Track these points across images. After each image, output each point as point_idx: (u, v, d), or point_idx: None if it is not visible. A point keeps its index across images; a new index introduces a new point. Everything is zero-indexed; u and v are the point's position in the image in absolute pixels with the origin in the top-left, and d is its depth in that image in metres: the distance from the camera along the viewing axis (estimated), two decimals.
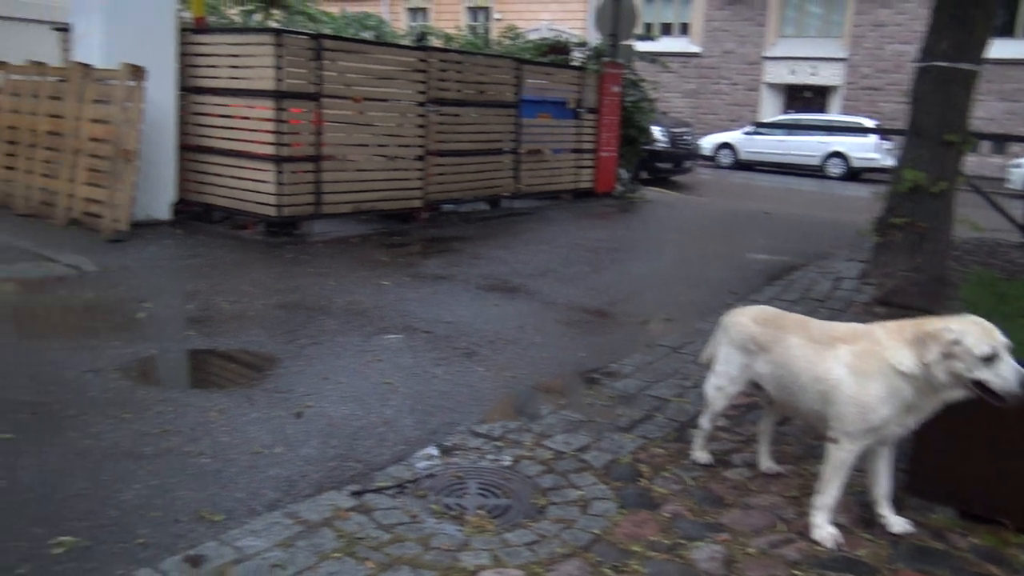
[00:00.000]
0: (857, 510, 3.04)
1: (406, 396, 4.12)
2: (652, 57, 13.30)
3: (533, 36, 15.38)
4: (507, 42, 13.06)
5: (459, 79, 9.51)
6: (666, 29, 26.90)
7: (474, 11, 29.26)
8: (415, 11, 30.61)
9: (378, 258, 7.38)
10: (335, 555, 2.66)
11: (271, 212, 7.73)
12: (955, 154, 6.58)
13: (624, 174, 12.61)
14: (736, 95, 25.86)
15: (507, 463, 3.40)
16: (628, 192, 12.41)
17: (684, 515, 3.02)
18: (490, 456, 3.46)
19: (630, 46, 12.34)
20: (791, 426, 3.80)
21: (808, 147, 20.34)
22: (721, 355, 3.33)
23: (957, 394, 2.66)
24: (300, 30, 8.98)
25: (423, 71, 8.93)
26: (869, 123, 20.22)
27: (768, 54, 25.25)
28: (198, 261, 6.89)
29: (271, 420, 3.73)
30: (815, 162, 20.34)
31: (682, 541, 2.84)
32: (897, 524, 2.93)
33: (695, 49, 26.30)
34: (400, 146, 8.83)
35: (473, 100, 9.74)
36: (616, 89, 11.94)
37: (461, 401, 4.12)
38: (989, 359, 2.55)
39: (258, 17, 12.91)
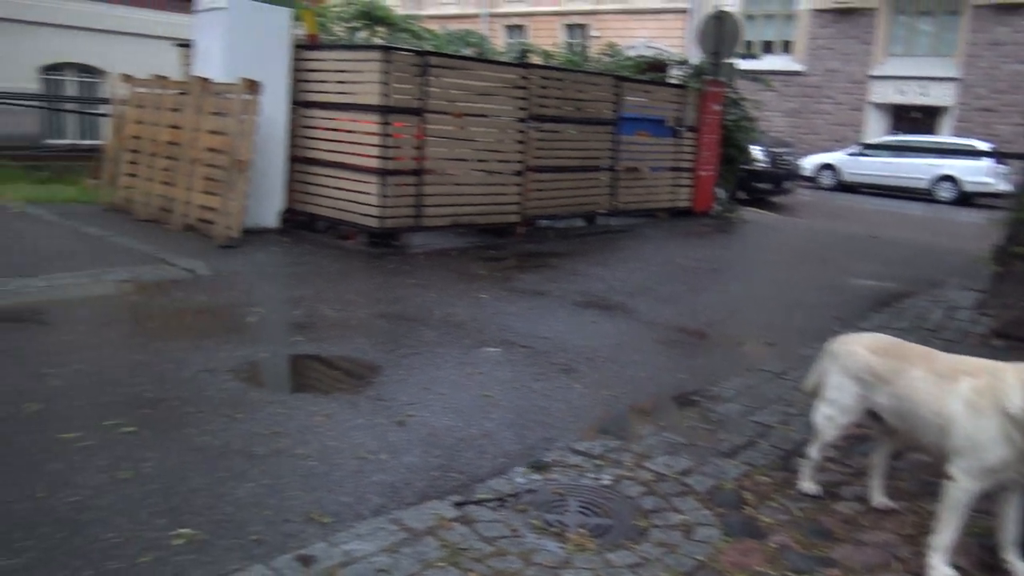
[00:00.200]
0: (978, 553, 2.89)
1: (505, 410, 4.14)
2: (755, 75, 13.07)
3: (631, 53, 15.33)
4: (606, 59, 13.07)
5: (559, 96, 9.57)
6: (767, 47, 26.39)
7: (571, 28, 29.40)
8: (513, 28, 30.95)
9: (476, 271, 7.47)
10: (439, 564, 2.69)
11: (373, 223, 7.93)
12: None
13: (722, 194, 12.42)
14: (840, 115, 25.13)
15: (607, 482, 3.38)
16: (726, 212, 12.21)
17: (792, 547, 2.93)
18: (590, 474, 3.44)
19: (732, 64, 12.17)
20: (905, 460, 3.65)
21: (916, 169, 19.57)
22: (832, 384, 3.23)
23: None
24: (406, 47, 9.19)
25: (524, 87, 9.02)
26: (983, 146, 19.31)
27: (875, 73, 24.45)
28: (303, 269, 7.12)
29: (375, 427, 3.81)
30: (923, 185, 19.55)
31: (790, 574, 2.76)
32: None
33: (798, 67, 25.71)
34: (499, 161, 8.94)
35: (572, 117, 9.77)
36: (717, 107, 11.79)
37: (559, 417, 4.11)
38: None
39: (363, 34, 13.29)
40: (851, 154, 21.02)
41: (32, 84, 14.15)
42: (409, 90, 7.96)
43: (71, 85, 15.10)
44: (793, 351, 5.38)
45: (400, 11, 14.41)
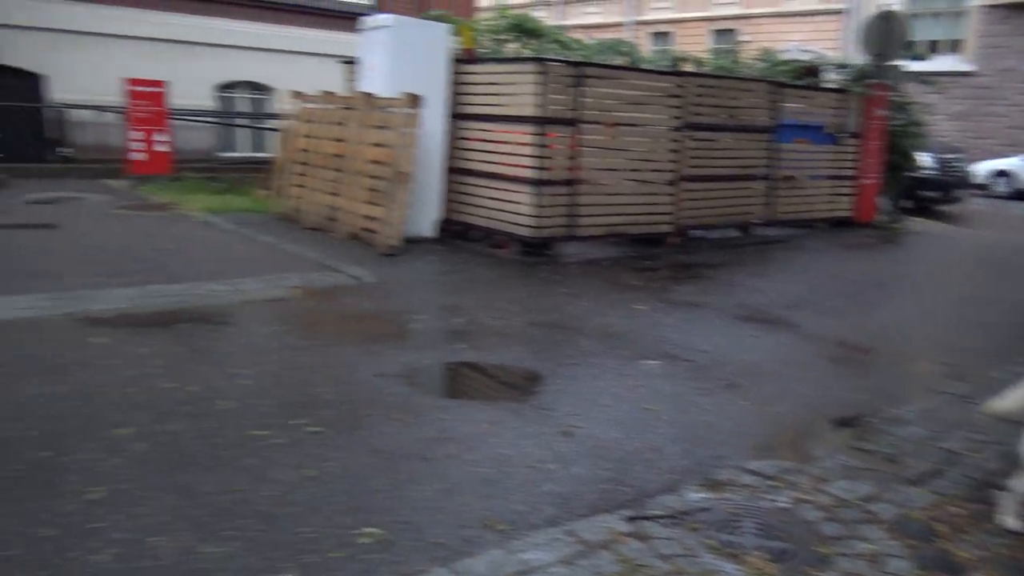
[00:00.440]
0: None
1: (670, 424, 4.09)
2: (922, 77, 12.33)
3: (784, 57, 14.81)
4: (758, 64, 12.69)
5: (714, 104, 9.37)
6: (933, 47, 24.83)
7: (719, 33, 28.75)
8: (658, 35, 30.61)
9: (629, 282, 7.42)
10: None
11: (527, 233, 8.03)
12: None
13: (886, 203, 11.78)
14: (1015, 117, 23.29)
15: (784, 505, 3.26)
16: (890, 222, 11.57)
17: None
18: (765, 495, 3.33)
19: (897, 66, 11.53)
20: None
21: None
22: None
23: None
24: (560, 58, 9.27)
25: (678, 96, 8.90)
26: None
27: None
28: (460, 277, 7.31)
29: (540, 436, 3.85)
30: None
31: None
32: None
33: (967, 68, 24.05)
34: (652, 171, 8.85)
35: (727, 125, 9.55)
36: (881, 112, 11.20)
37: (726, 434, 4.01)
38: None
39: (513, 46, 13.51)
40: None
41: (209, 102, 15.25)
42: (563, 101, 8.02)
43: (242, 102, 16.16)
44: (976, 372, 5.03)
45: (545, 22, 14.55)
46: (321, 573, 2.65)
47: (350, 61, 9.91)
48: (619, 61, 11.91)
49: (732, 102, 9.61)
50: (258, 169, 12.75)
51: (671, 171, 8.96)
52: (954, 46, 24.69)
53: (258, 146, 16.08)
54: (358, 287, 6.69)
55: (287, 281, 6.64)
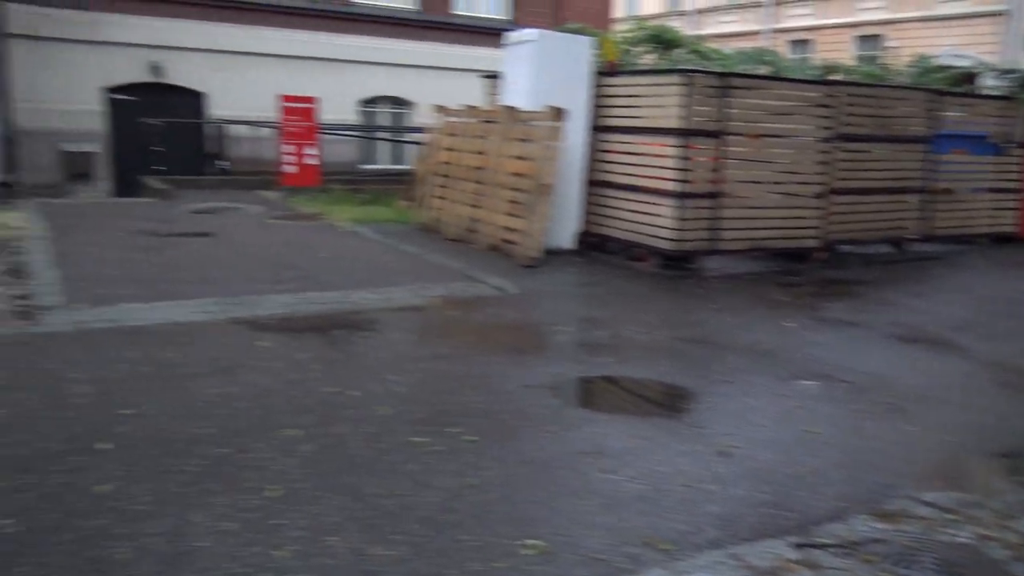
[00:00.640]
0: None
1: (833, 448, 3.91)
2: None
3: (939, 63, 14.00)
4: (911, 71, 12.04)
5: (866, 113, 8.96)
6: None
7: (864, 39, 27.53)
8: (797, 43, 29.64)
9: (776, 297, 7.19)
10: None
11: (668, 246, 7.92)
12: None
13: None
14: None
15: (966, 541, 3.06)
16: None
17: None
18: (943, 529, 3.14)
19: None
20: None
21: None
22: None
23: None
24: (704, 69, 9.11)
25: (827, 106, 8.57)
26: None
27: None
28: (601, 290, 7.28)
29: (695, 455, 3.77)
30: None
31: None
32: None
33: None
34: (798, 183, 8.55)
35: (879, 135, 9.11)
36: None
37: (895, 461, 3.80)
38: None
39: (650, 57, 13.39)
40: None
41: (353, 116, 15.88)
42: (707, 112, 7.88)
43: (383, 116, 16.75)
44: None
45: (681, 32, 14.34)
46: None
47: (492, 75, 10.09)
48: (762, 71, 11.60)
49: (885, 111, 9.17)
50: (398, 181, 13.18)
51: (819, 183, 8.63)
52: None
53: (397, 159, 16.61)
54: (500, 298, 6.77)
55: (432, 291, 6.80)
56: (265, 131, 13.64)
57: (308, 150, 12.52)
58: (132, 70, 14.06)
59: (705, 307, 6.73)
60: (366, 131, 16.26)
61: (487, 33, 16.72)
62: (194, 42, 14.35)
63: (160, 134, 13.64)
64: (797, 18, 29.69)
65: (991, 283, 8.19)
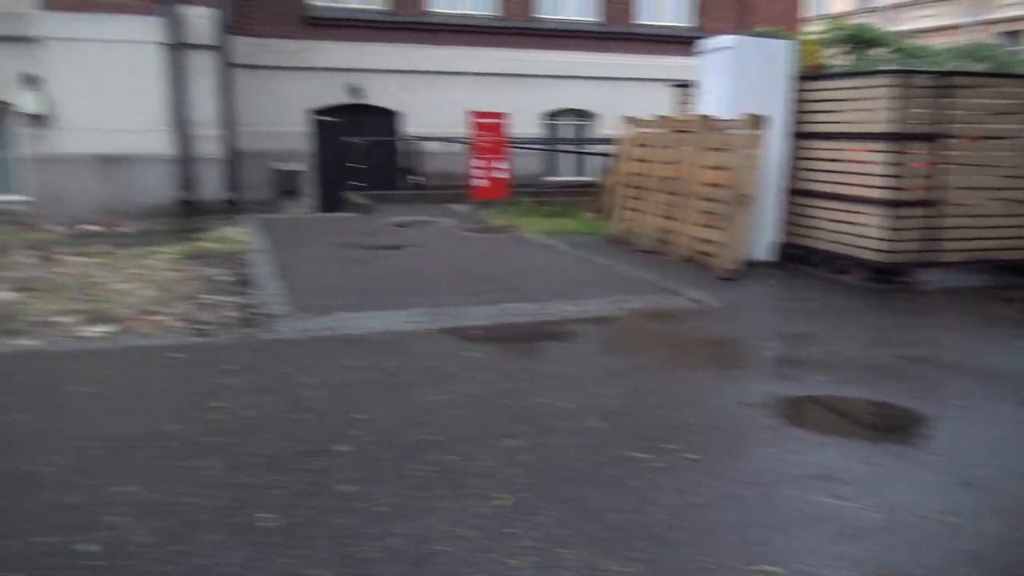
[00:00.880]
0: None
1: None
2: None
3: None
4: None
5: None
6: None
7: None
8: (1009, 34, 27.19)
9: (1004, 314, 6.61)
10: None
11: (877, 258, 7.47)
12: None
13: None
14: None
15: None
16: None
17: None
18: None
19: None
20: None
21: None
22: None
23: None
24: (921, 69, 8.55)
25: None
26: None
27: None
28: (806, 304, 6.97)
29: (936, 485, 3.50)
30: None
31: None
32: None
33: None
34: None
35: None
36: None
37: None
38: None
39: (844, 58, 12.74)
40: None
41: (537, 129, 16.16)
42: (921, 115, 7.37)
43: (566, 128, 16.92)
44: None
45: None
46: None
47: (683, 84, 9.95)
48: (979, 68, 10.74)
49: None
50: (582, 192, 13.27)
51: None
52: None
53: (580, 170, 16.73)
54: (700, 310, 6.64)
55: (630, 303, 6.77)
56: (456, 146, 14.16)
57: (497, 164, 12.87)
58: (334, 93, 15.03)
59: (924, 323, 6.28)
60: (552, 144, 16.50)
61: (671, 42, 16.54)
62: (389, 64, 15.14)
63: (361, 152, 14.50)
64: (1008, 7, 27.23)
65: None
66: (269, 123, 14.39)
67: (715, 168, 8.14)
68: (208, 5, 11.07)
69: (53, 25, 10.49)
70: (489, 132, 12.88)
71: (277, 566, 2.78)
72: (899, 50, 12.04)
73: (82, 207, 10.87)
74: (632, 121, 10.21)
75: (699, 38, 9.51)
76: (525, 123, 15.40)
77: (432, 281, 7.50)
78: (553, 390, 4.65)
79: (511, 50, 15.77)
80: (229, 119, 11.65)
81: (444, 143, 14.47)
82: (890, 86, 7.35)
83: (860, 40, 11.90)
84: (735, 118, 7.96)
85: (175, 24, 10.75)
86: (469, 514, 3.17)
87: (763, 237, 8.33)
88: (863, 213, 7.61)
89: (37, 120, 10.60)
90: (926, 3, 29.87)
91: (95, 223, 10.71)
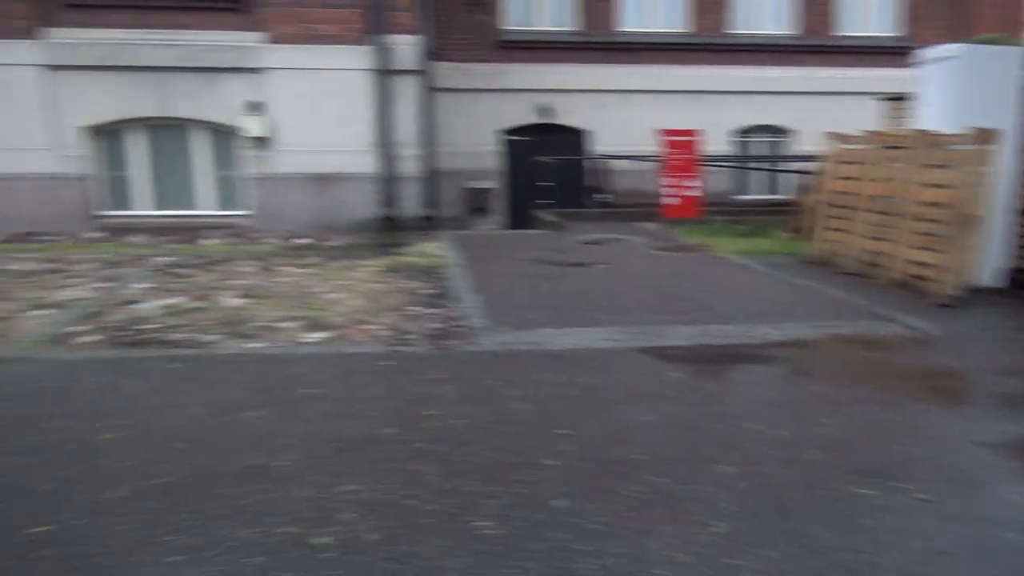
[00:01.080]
0: None
1: None
2: None
3: None
4: None
5: None
6: None
7: None
8: None
9: None
10: None
11: None
12: None
13: None
14: None
15: None
16: None
17: None
18: None
19: None
20: None
21: None
22: None
23: None
24: None
25: None
26: None
27: None
28: None
29: None
30: None
31: None
32: None
33: None
34: None
35: None
36: None
37: None
38: None
39: None
40: None
41: (726, 147, 15.75)
42: None
43: (758, 145, 16.38)
44: None
45: None
46: None
47: (896, 97, 9.34)
48: None
49: None
50: (776, 211, 12.76)
51: None
52: None
53: (772, 188, 16.13)
54: (919, 339, 6.16)
55: (839, 328, 6.40)
56: (644, 164, 14.06)
57: (689, 182, 12.64)
58: (524, 113, 15.39)
59: None
60: (746, 161, 16.03)
61: (876, 53, 15.66)
62: (578, 84, 15.32)
63: (549, 170, 14.74)
64: None
65: None
66: (463, 143, 14.95)
67: (935, 186, 7.55)
68: (412, 33, 11.65)
69: (277, 56, 11.42)
70: (681, 150, 12.68)
71: None
72: None
73: (295, 222, 11.72)
74: (837, 137, 9.69)
75: (908, 48, 8.93)
76: (716, 140, 15.07)
77: (626, 299, 7.43)
78: (763, 416, 4.46)
79: (702, 67, 15.51)
80: (428, 140, 12.18)
81: (632, 161, 14.42)
82: None
83: None
84: (960, 132, 7.35)
85: (383, 52, 11.39)
86: (685, 539, 3.07)
87: (988, 261, 7.64)
88: None
89: (259, 143, 11.56)
90: None
91: (306, 237, 11.51)
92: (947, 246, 7.21)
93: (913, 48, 8.69)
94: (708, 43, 15.57)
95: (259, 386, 4.94)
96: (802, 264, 9.34)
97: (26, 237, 11.15)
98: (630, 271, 8.94)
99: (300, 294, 7.61)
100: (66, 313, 6.76)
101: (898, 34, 16.00)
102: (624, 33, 15.50)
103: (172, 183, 11.87)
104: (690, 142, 12.68)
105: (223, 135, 11.77)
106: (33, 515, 3.24)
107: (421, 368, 5.32)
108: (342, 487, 3.52)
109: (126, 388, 4.87)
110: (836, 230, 9.19)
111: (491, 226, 14.85)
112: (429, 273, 8.78)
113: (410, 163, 11.85)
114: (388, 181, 11.71)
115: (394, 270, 8.97)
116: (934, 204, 7.51)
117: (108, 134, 11.61)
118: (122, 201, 11.78)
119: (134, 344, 5.88)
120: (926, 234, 7.56)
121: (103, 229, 11.48)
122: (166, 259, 9.51)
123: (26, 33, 11.03)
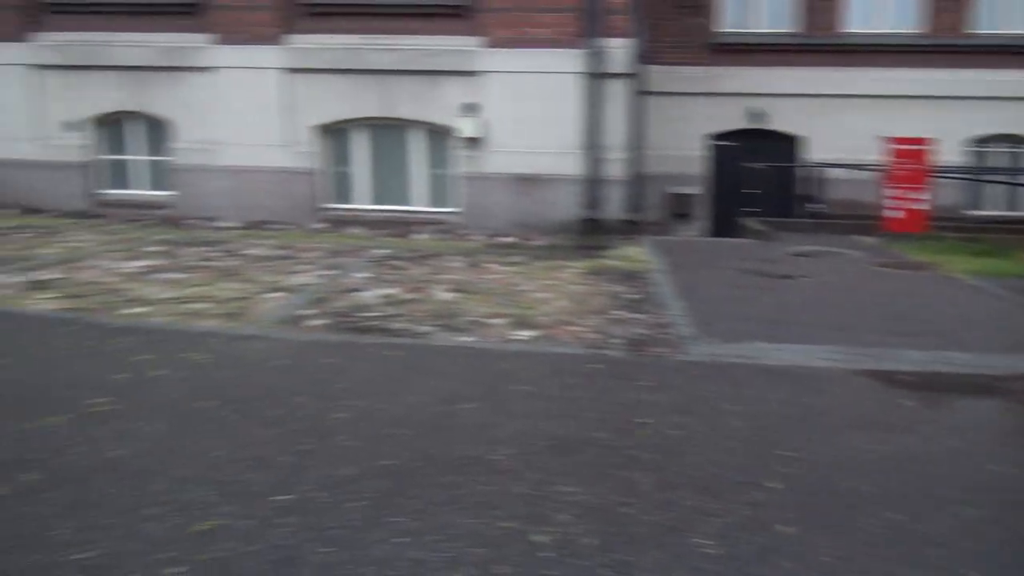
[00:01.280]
0: None
1: None
2: None
3: None
4: None
5: None
6: None
7: None
8: None
9: None
10: None
11: None
12: None
13: None
14: None
15: None
16: None
17: None
18: None
19: None
20: None
21: None
22: None
23: None
24: None
25: None
26: None
27: None
28: None
29: None
30: None
31: None
32: None
33: None
34: None
35: None
36: None
37: None
38: None
39: None
40: None
41: (957, 156, 14.44)
42: None
43: (996, 156, 14.90)
44: None
45: None
46: None
47: None
48: None
49: None
50: (1015, 230, 11.57)
51: None
52: None
53: (1012, 204, 14.64)
54: None
55: None
56: (863, 174, 13.18)
57: (916, 195, 11.69)
58: (733, 118, 14.93)
59: None
60: (977, 173, 14.65)
61: None
62: (794, 88, 14.64)
63: (757, 177, 14.19)
64: None
65: None
66: (668, 147, 14.73)
67: None
68: (625, 36, 11.59)
69: (492, 60, 11.75)
70: (909, 159, 11.75)
71: None
72: None
73: (500, 220, 12.01)
74: None
75: None
76: (946, 150, 13.86)
77: (845, 316, 6.98)
78: (1008, 458, 4.01)
79: (933, 70, 14.34)
80: (634, 143, 12.09)
81: (850, 170, 13.57)
82: None
83: None
84: None
85: (596, 55, 11.42)
86: None
87: None
88: None
89: (471, 143, 11.94)
90: None
91: (510, 235, 11.77)
92: None
93: None
94: (943, 44, 14.36)
95: (472, 379, 5.07)
96: None
97: (262, 225, 12.20)
98: (847, 286, 8.39)
99: (507, 292, 7.78)
100: (297, 297, 7.31)
101: None
102: (848, 35, 14.64)
103: (389, 179, 12.55)
104: (920, 151, 11.72)
105: (438, 135, 12.29)
106: (275, 485, 3.50)
107: (630, 374, 5.25)
108: (557, 487, 3.53)
109: (351, 371, 5.17)
110: None
111: (692, 232, 14.52)
112: (633, 277, 8.69)
113: (615, 166, 11.80)
114: (593, 183, 11.73)
115: (596, 273, 8.96)
116: None
117: (335, 132, 12.46)
118: (344, 195, 12.61)
119: (357, 330, 6.24)
120: None
121: (326, 220, 12.34)
122: (382, 251, 10.05)
123: (273, 39, 12.06)
